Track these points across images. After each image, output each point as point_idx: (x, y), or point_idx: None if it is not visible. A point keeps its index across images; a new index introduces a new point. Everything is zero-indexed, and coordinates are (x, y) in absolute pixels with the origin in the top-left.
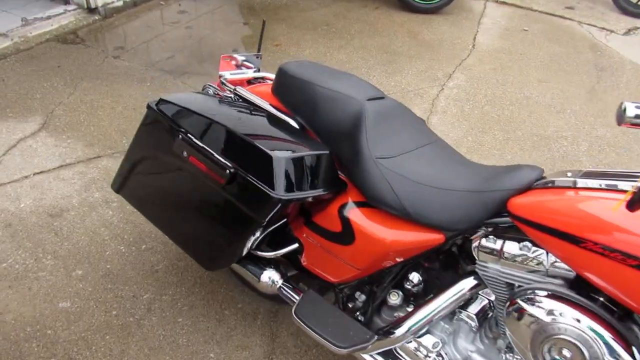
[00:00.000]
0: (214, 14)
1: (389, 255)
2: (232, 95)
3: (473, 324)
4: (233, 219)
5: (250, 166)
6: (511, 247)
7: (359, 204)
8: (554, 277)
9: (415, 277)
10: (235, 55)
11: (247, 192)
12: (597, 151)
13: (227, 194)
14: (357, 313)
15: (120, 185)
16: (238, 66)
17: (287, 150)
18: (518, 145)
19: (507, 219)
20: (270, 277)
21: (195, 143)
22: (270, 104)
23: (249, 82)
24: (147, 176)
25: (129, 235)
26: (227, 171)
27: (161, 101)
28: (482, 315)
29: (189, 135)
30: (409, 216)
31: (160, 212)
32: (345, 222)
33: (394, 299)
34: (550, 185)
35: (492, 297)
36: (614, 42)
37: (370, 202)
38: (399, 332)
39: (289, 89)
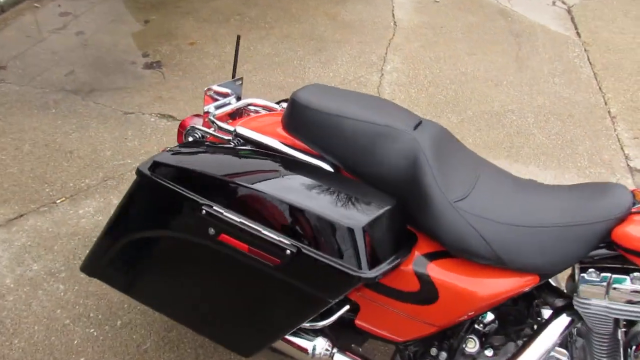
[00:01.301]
0: (104, 13)
1: (480, 308)
2: (231, 138)
3: (564, 359)
4: (288, 301)
5: (318, 242)
6: (620, 281)
7: (434, 256)
8: None
9: (488, 316)
10: (214, 87)
11: (314, 271)
12: (543, 122)
13: (282, 275)
14: None
15: (99, 268)
16: (216, 97)
17: (357, 212)
18: (473, 126)
19: (604, 250)
20: (323, 347)
21: (229, 218)
22: (290, 145)
23: (231, 114)
24: (145, 258)
25: (96, 312)
26: (288, 252)
27: (156, 165)
28: (571, 347)
29: (215, 208)
30: (502, 264)
31: (169, 297)
32: (425, 280)
33: (471, 346)
34: None
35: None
36: (518, 6)
37: (454, 254)
38: None
39: (311, 125)
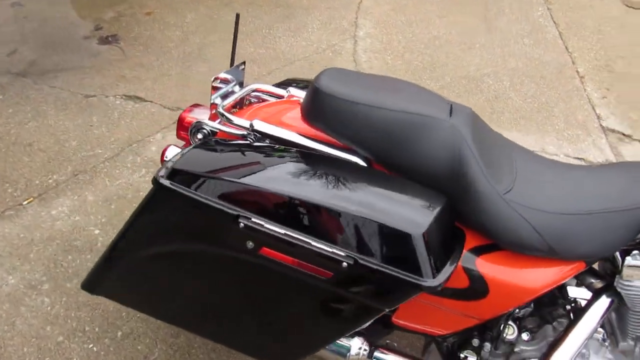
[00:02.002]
0: None
1: (529, 299)
2: (246, 133)
3: (600, 336)
4: (336, 313)
5: (376, 251)
6: None
7: (482, 250)
8: None
9: None
10: (221, 75)
11: (370, 282)
12: (519, 84)
13: (334, 288)
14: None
15: (106, 285)
16: (219, 85)
17: (413, 215)
18: (453, 92)
19: None
20: (360, 347)
21: (271, 230)
22: (315, 139)
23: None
24: (166, 273)
25: (92, 325)
26: (344, 264)
27: (176, 172)
28: (607, 325)
29: (254, 220)
30: (554, 254)
31: (196, 314)
32: (474, 276)
33: (510, 332)
34: None
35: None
36: None
37: (505, 247)
38: None
39: (338, 115)
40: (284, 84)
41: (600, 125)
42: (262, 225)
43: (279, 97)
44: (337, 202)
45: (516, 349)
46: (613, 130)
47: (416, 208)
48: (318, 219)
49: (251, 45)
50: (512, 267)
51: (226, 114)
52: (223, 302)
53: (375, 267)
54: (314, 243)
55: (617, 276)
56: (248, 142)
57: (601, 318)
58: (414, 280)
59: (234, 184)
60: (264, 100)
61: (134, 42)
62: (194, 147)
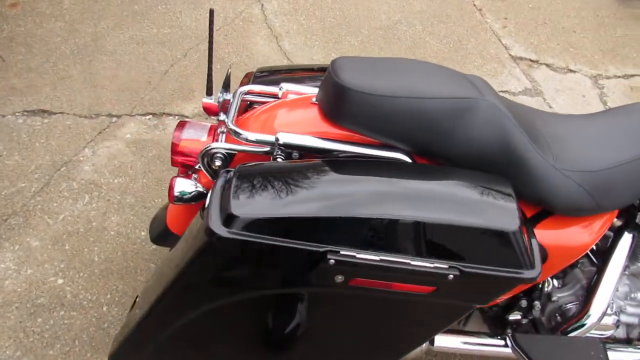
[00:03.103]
0: None
1: (582, 254)
2: (270, 149)
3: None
4: (432, 319)
5: (476, 256)
6: None
7: (535, 220)
8: None
9: None
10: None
11: (473, 286)
12: (430, 27)
13: (436, 299)
14: (520, 319)
15: (145, 354)
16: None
17: (497, 209)
18: (375, 45)
19: None
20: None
21: (364, 260)
22: (347, 141)
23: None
24: (222, 329)
25: None
26: (450, 276)
27: (232, 218)
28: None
29: (343, 253)
30: (600, 210)
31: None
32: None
33: (547, 285)
34: None
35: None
36: None
37: (560, 213)
38: (592, 319)
39: (373, 113)
40: (263, 79)
41: (510, 55)
42: (354, 257)
43: (273, 95)
44: (423, 213)
45: (553, 298)
46: (521, 58)
47: (497, 200)
48: (411, 236)
49: (152, 25)
50: (565, 229)
51: (244, 132)
52: (298, 339)
53: (480, 271)
54: (413, 262)
55: (639, 213)
56: (282, 160)
57: (628, 253)
58: (517, 276)
59: (310, 219)
60: (251, 103)
61: (10, 43)
62: (232, 182)
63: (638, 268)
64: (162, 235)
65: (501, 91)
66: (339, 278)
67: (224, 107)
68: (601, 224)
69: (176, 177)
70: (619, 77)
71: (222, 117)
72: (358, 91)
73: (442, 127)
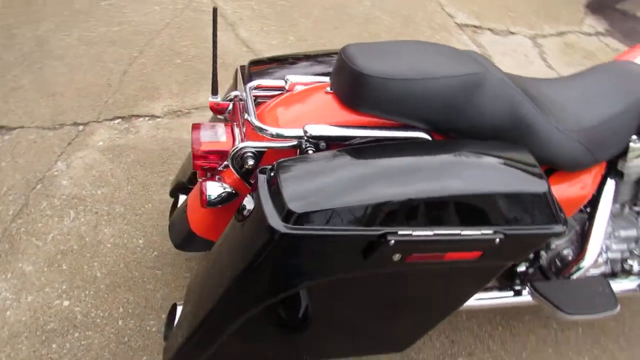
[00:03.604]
0: None
1: (584, 204)
2: (297, 143)
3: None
4: (473, 282)
5: (516, 218)
6: None
7: None
8: None
9: None
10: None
11: (515, 247)
12: (379, 2)
13: (482, 263)
14: (526, 270)
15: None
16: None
17: (525, 173)
18: (329, 24)
19: None
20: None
21: (420, 237)
22: (374, 127)
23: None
24: (283, 321)
25: None
26: (496, 240)
27: (291, 214)
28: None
29: (401, 232)
30: (595, 162)
31: (316, 343)
32: None
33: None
34: None
35: None
36: None
37: (563, 169)
38: (589, 260)
39: (392, 96)
40: (262, 72)
41: (455, 23)
42: (410, 235)
43: (280, 88)
44: (466, 186)
45: (552, 247)
46: (466, 25)
47: (523, 166)
48: (457, 209)
49: (98, 24)
50: (567, 183)
51: (270, 128)
52: (358, 318)
53: (521, 232)
54: (463, 232)
55: (620, 159)
56: (313, 151)
57: (614, 197)
58: (550, 232)
59: (364, 205)
60: (255, 98)
61: None
62: (278, 178)
63: (617, 209)
64: (187, 240)
65: None
66: (397, 257)
67: (221, 106)
68: (595, 175)
69: (204, 181)
70: (554, 35)
71: (248, 116)
72: (376, 77)
73: (456, 103)
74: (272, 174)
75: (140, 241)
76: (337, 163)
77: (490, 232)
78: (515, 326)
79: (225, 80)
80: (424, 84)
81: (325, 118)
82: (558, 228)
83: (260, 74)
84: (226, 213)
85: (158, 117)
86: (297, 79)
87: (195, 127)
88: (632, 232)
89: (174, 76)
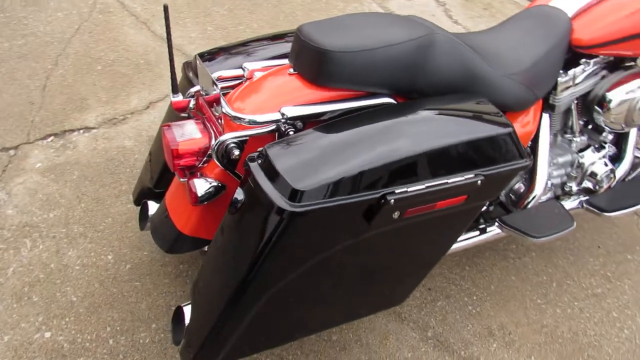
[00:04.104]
0: None
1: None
2: (276, 127)
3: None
4: (459, 224)
5: (491, 159)
6: (578, 71)
7: None
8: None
9: None
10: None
11: (493, 185)
12: None
13: (467, 206)
14: (487, 207)
15: (228, 351)
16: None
17: (491, 117)
18: (244, 9)
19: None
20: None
21: (415, 192)
22: (342, 99)
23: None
24: (300, 293)
25: None
26: (478, 182)
27: (296, 193)
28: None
29: (397, 191)
30: (536, 99)
31: (330, 308)
32: None
33: None
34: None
35: None
36: None
37: (510, 110)
38: (539, 190)
39: (356, 68)
40: (215, 64)
41: None
42: (406, 192)
43: (239, 78)
44: (445, 140)
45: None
46: None
47: (486, 112)
48: (441, 161)
49: (1, 39)
50: (517, 122)
51: (249, 116)
52: (360, 280)
53: (497, 171)
54: (450, 181)
55: (551, 94)
56: (294, 132)
57: (550, 129)
58: (521, 164)
59: (361, 172)
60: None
61: None
62: (272, 162)
63: (552, 139)
64: (177, 243)
65: None
66: (396, 214)
67: (183, 103)
68: (535, 112)
69: (189, 179)
70: None
71: (224, 109)
72: (338, 52)
73: (415, 65)
74: (263, 159)
75: (110, 257)
76: (322, 139)
77: (472, 176)
78: (480, 263)
79: (158, 77)
80: (384, 52)
81: (296, 99)
82: (525, 161)
83: (212, 66)
84: (212, 208)
85: (93, 128)
86: (254, 65)
87: (166, 128)
88: (568, 158)
89: (98, 84)
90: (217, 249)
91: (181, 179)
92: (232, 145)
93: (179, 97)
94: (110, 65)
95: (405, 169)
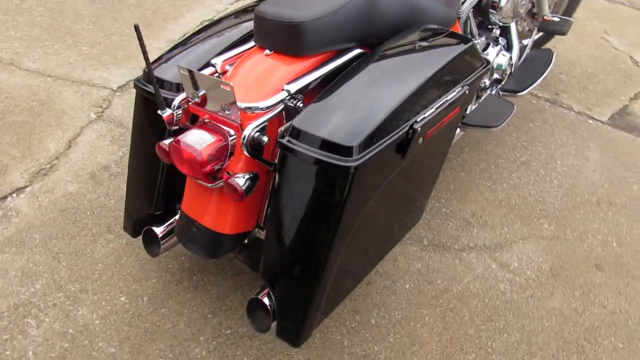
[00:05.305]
0: None
1: None
2: (283, 104)
3: None
4: (452, 132)
5: (467, 71)
6: None
7: None
8: None
9: None
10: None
11: (472, 91)
12: None
13: (458, 116)
14: None
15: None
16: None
17: (449, 40)
18: (108, 16)
19: None
20: None
21: (432, 113)
22: (327, 61)
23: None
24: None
25: None
26: (466, 91)
27: (350, 150)
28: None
29: (420, 117)
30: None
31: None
32: None
33: None
34: None
35: None
36: None
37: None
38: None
39: (327, 32)
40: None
41: None
42: (425, 116)
43: (212, 75)
44: (435, 65)
45: None
46: None
47: (447, 35)
48: (438, 83)
49: None
50: None
51: (262, 103)
52: (397, 206)
53: (474, 78)
54: (449, 97)
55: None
56: (302, 105)
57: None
58: (486, 68)
59: (388, 115)
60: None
61: None
62: (310, 132)
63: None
64: (221, 245)
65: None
66: (420, 140)
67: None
68: (456, 25)
69: (226, 180)
70: None
71: (237, 104)
72: (310, 21)
73: (369, 14)
74: (296, 135)
75: (122, 298)
76: (335, 101)
77: (460, 88)
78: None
79: (61, 113)
80: (344, 11)
81: (288, 75)
82: (487, 65)
83: (168, 73)
84: (245, 199)
85: (25, 187)
86: (222, 58)
87: (176, 143)
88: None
89: (2, 141)
90: (284, 232)
91: (209, 185)
92: (258, 134)
93: (168, 112)
94: (1, 119)
95: (417, 100)
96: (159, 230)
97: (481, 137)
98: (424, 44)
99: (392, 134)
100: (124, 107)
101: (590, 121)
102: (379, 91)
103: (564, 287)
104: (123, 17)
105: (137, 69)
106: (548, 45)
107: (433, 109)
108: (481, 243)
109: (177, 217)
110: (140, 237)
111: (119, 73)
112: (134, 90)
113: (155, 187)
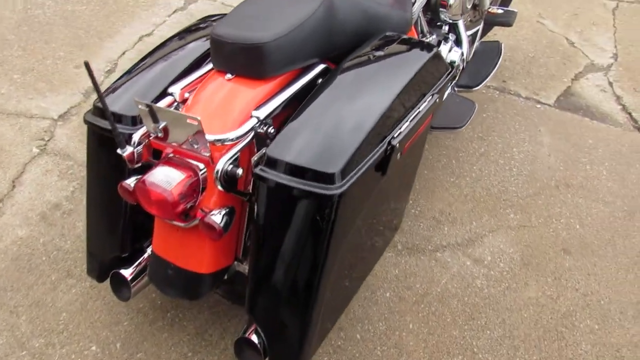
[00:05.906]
0: None
1: None
2: (254, 131)
3: None
4: (424, 140)
5: (434, 79)
6: None
7: None
8: None
9: None
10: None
11: (441, 98)
12: None
13: (429, 124)
14: None
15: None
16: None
17: (414, 48)
18: (36, 47)
19: None
20: None
21: (407, 127)
22: (291, 82)
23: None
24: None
25: None
26: (437, 100)
27: (331, 176)
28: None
29: (397, 133)
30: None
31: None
32: None
33: None
34: None
35: None
36: None
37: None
38: None
39: (289, 51)
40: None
41: None
42: (402, 131)
43: (170, 105)
44: (404, 78)
45: None
46: None
47: (410, 42)
48: (405, 97)
49: None
50: None
51: (227, 135)
52: (377, 220)
53: (442, 85)
54: (422, 106)
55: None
56: (273, 130)
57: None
58: (452, 73)
59: (365, 135)
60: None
61: None
62: (289, 164)
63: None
64: (200, 286)
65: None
66: (399, 155)
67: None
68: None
69: (202, 219)
70: None
71: (211, 138)
72: (272, 41)
73: (330, 27)
74: (272, 165)
75: (94, 347)
76: (309, 124)
77: (431, 97)
78: None
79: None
80: (303, 28)
81: (254, 99)
82: (452, 70)
83: (120, 105)
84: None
85: None
86: (180, 86)
87: (142, 184)
88: None
89: None
90: (269, 265)
91: (182, 225)
92: (232, 167)
93: (128, 150)
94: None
95: (391, 115)
96: (127, 273)
97: (438, 133)
98: (389, 54)
99: (371, 154)
100: (69, 137)
101: (539, 105)
102: (351, 110)
103: (537, 275)
104: (54, 38)
105: (77, 94)
106: (489, 35)
107: (408, 122)
108: (453, 241)
109: (145, 255)
110: (107, 280)
111: (58, 100)
112: (77, 119)
113: (119, 228)
